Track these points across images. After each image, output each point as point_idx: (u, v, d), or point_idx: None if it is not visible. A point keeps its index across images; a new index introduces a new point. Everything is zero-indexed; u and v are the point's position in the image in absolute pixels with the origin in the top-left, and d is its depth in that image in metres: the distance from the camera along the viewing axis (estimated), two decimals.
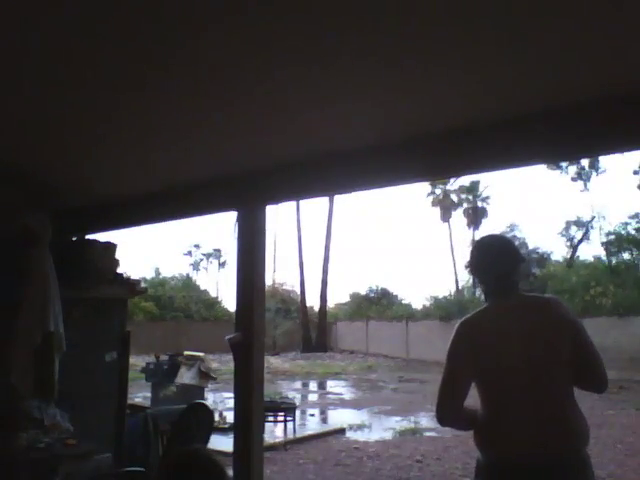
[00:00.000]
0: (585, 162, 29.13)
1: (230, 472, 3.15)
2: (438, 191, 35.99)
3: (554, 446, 2.15)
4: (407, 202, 75.16)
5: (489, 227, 36.45)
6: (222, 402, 11.34)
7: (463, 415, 2.33)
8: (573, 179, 30.41)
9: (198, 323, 31.10)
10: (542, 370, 2.20)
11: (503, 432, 2.22)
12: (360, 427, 9.85)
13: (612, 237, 25.11)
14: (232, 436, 3.04)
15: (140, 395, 11.48)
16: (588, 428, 2.25)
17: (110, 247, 4.28)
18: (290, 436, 8.63)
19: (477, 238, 2.70)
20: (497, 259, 2.40)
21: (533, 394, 2.19)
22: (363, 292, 37.59)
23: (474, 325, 2.36)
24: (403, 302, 35.29)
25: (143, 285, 4.75)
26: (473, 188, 35.27)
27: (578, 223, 31.38)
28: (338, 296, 60.17)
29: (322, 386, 16.89)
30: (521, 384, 2.20)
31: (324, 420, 11.04)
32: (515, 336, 2.22)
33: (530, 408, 2.17)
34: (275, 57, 1.84)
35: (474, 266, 2.51)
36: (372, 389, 15.46)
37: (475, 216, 35.04)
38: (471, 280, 33.53)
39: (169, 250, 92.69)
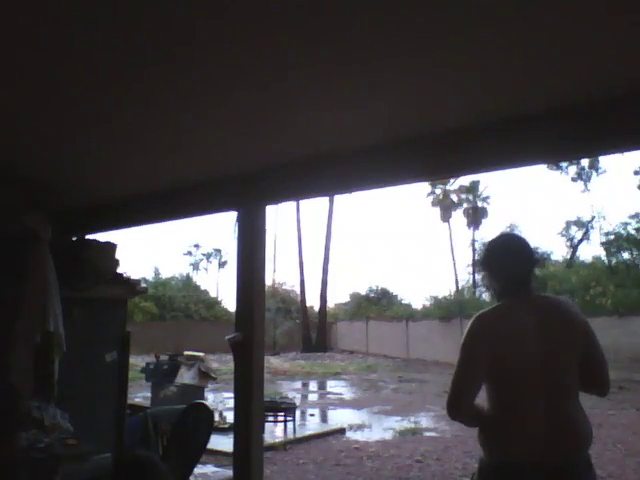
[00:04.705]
0: (585, 162, 29.17)
1: (230, 472, 3.15)
2: (438, 191, 36.00)
3: (564, 447, 2.16)
4: (407, 202, 75.17)
5: (489, 227, 36.47)
6: (222, 402, 11.33)
7: (474, 410, 2.30)
8: (573, 179, 30.45)
9: (198, 323, 31.10)
10: (556, 370, 2.20)
11: (515, 431, 2.20)
12: (360, 427, 9.85)
13: (612, 237, 25.13)
14: (232, 436, 3.04)
15: (140, 395, 11.48)
16: (592, 430, 2.26)
17: (110, 247, 4.28)
18: (290, 436, 8.63)
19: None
20: (516, 258, 2.36)
21: (546, 394, 2.18)
22: (363, 292, 37.64)
23: (491, 320, 2.33)
24: (403, 302, 35.34)
25: (143, 285, 4.74)
26: (473, 188, 35.27)
27: (578, 223, 31.42)
28: (338, 296, 60.26)
29: (322, 386, 16.89)
30: (535, 383, 2.19)
31: (324, 420, 11.03)
32: (531, 335, 2.21)
33: (543, 408, 2.17)
34: (275, 58, 1.84)
35: (490, 263, 2.45)
36: (372, 389, 15.45)
37: (475, 216, 35.04)
38: (471, 280, 33.58)
39: (169, 250, 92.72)
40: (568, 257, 30.75)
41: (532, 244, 2.48)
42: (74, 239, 4.22)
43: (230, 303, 38.52)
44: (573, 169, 29.79)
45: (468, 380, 2.27)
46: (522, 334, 2.23)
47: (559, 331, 2.24)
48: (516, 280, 2.34)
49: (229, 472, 5.25)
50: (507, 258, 2.38)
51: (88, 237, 4.22)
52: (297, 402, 10.78)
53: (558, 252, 41.88)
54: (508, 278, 2.37)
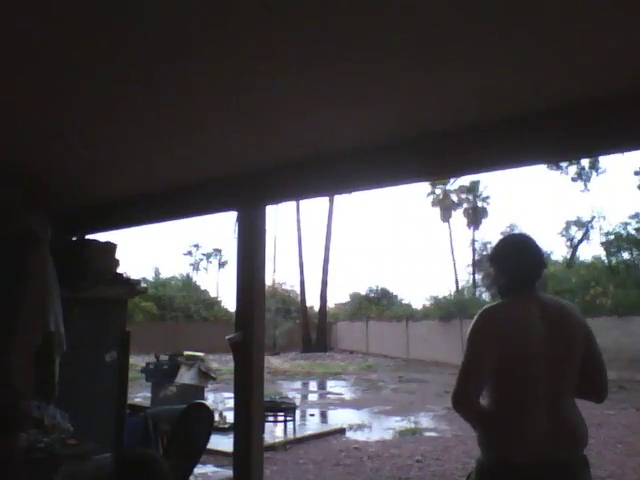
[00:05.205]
0: (585, 162, 29.15)
1: (230, 472, 3.15)
2: (438, 191, 36.01)
3: (563, 447, 2.17)
4: (407, 202, 75.17)
5: (489, 227, 36.43)
6: (222, 402, 11.33)
7: (479, 406, 2.27)
8: (573, 179, 30.42)
9: (198, 323, 31.13)
10: (558, 372, 2.20)
11: (514, 431, 2.19)
12: (360, 427, 9.85)
13: (612, 237, 25.11)
14: (232, 436, 3.04)
15: (140, 395, 11.48)
16: (587, 430, 2.28)
17: (110, 247, 4.28)
18: (290, 436, 8.63)
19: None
20: (526, 255, 2.38)
21: (547, 394, 2.18)
22: (363, 292, 37.68)
23: (497, 316, 2.32)
24: (403, 302, 35.38)
25: (143, 285, 4.74)
26: (473, 188, 35.28)
27: (578, 223, 31.41)
28: (338, 296, 60.29)
29: (322, 386, 16.90)
30: (537, 383, 2.19)
31: (324, 420, 11.03)
32: (536, 335, 2.21)
33: (543, 408, 2.17)
34: (275, 58, 1.84)
35: (500, 258, 2.46)
36: (372, 389, 15.46)
37: (475, 216, 35.05)
38: (471, 280, 33.58)
39: (169, 250, 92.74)
40: (568, 257, 30.74)
41: (542, 247, 2.50)
42: (74, 239, 4.22)
43: (230, 303, 38.57)
44: (573, 169, 29.78)
45: (475, 372, 2.25)
46: (527, 334, 2.23)
47: (563, 333, 2.24)
48: (522, 277, 2.35)
49: (229, 472, 5.25)
50: (517, 254, 2.39)
51: (88, 237, 4.22)
52: (297, 402, 10.78)
53: (558, 252, 41.86)
54: (515, 274, 2.37)
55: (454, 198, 36.01)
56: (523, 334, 2.23)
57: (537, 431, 2.16)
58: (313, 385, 17.36)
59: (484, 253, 33.10)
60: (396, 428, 9.67)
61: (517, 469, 2.16)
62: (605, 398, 2.32)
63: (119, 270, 4.32)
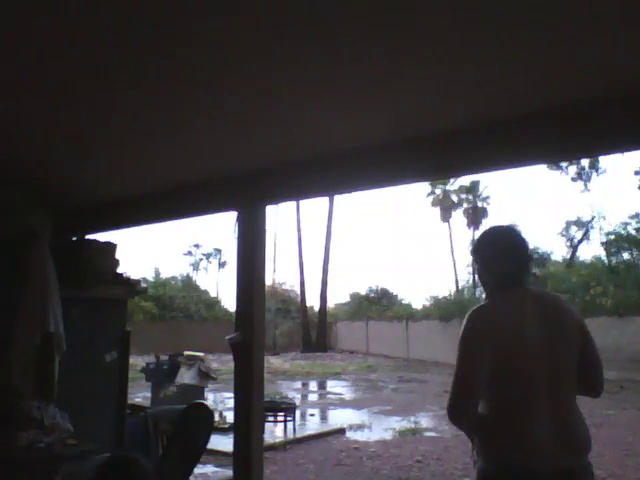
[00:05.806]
0: (585, 162, 29.17)
1: (230, 472, 3.15)
2: (438, 191, 36.03)
3: (565, 451, 2.09)
4: (407, 202, 75.16)
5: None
6: (222, 402, 11.33)
7: (477, 415, 2.15)
8: (573, 179, 30.45)
9: (198, 323, 31.14)
10: (557, 371, 2.12)
11: (519, 434, 2.10)
12: (360, 427, 9.85)
13: (612, 237, 25.12)
14: (232, 436, 3.04)
15: (140, 395, 11.48)
16: (589, 434, 2.19)
17: (110, 247, 4.28)
18: (290, 436, 8.63)
19: (484, 230, 2.43)
20: (510, 251, 2.27)
21: (548, 395, 2.10)
22: (363, 292, 37.73)
23: (490, 315, 2.20)
24: (403, 302, 35.41)
25: (143, 285, 4.74)
26: (473, 188, 35.29)
27: (578, 223, 31.42)
28: (338, 296, 60.31)
29: (322, 386, 16.89)
30: (537, 384, 2.11)
31: (324, 420, 11.03)
32: (533, 333, 2.12)
33: (544, 410, 2.09)
34: (275, 58, 1.84)
35: (483, 256, 2.35)
36: (372, 389, 15.45)
37: (475, 216, 35.04)
38: (471, 280, 33.57)
39: (169, 250, 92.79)
40: (568, 257, 30.74)
41: (529, 240, 2.37)
42: (74, 239, 4.22)
43: (230, 303, 38.58)
44: (573, 169, 29.80)
45: (470, 381, 2.13)
46: (524, 333, 2.14)
47: (560, 330, 2.17)
48: (510, 274, 2.25)
49: (229, 472, 5.25)
50: (503, 253, 2.28)
51: (88, 237, 4.22)
52: (297, 402, 10.78)
53: (558, 252, 41.85)
54: (501, 272, 2.27)
55: (454, 198, 36.02)
56: (519, 334, 2.14)
57: (539, 433, 2.07)
58: (313, 385, 17.36)
59: None
60: (396, 428, 9.66)
61: (518, 471, 2.08)
62: (601, 393, 2.25)
63: (119, 270, 4.33)
